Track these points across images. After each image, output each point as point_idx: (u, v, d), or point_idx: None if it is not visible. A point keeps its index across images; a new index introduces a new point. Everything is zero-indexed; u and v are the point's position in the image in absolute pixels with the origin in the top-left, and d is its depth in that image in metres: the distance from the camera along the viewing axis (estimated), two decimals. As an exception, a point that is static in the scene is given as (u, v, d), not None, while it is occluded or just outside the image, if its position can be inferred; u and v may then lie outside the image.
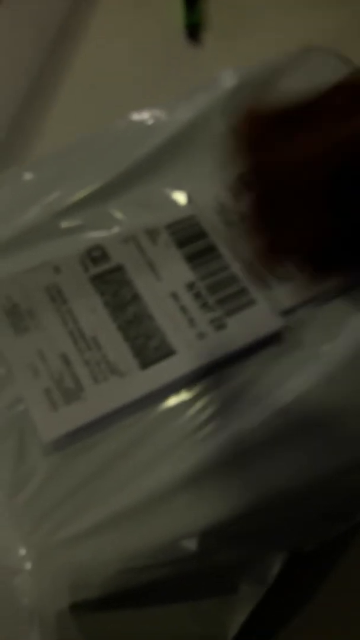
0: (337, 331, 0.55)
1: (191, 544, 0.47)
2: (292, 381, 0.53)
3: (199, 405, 0.52)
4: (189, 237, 0.58)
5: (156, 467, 0.49)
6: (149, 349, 0.52)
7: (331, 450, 0.51)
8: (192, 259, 0.57)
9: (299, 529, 0.51)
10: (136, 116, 0.67)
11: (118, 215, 0.60)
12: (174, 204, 0.61)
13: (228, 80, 0.69)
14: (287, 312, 0.55)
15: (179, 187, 0.61)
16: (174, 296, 0.55)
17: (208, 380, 0.53)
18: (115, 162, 0.62)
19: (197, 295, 0.55)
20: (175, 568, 0.47)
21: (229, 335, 0.53)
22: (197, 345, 0.53)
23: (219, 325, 0.54)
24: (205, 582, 0.49)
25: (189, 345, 0.53)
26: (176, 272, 0.56)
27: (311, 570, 0.54)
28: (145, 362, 0.52)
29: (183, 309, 0.54)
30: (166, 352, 0.52)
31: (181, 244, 0.57)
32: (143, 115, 0.66)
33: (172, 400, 0.52)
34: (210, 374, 0.53)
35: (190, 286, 0.55)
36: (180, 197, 0.61)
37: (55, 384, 0.50)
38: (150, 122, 0.66)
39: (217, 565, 0.49)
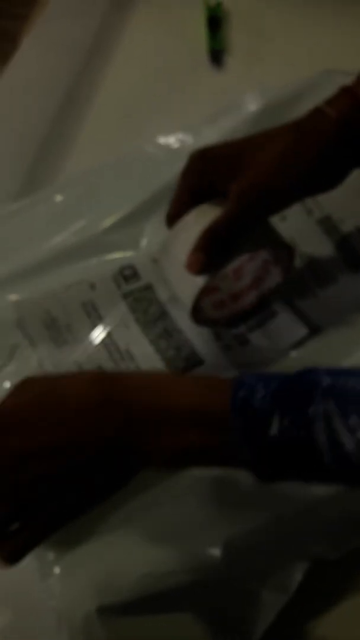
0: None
1: (214, 551, 0.49)
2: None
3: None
4: None
5: (180, 474, 0.51)
6: (179, 359, 0.56)
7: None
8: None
9: (321, 538, 0.52)
10: (163, 139, 0.70)
11: (148, 236, 0.63)
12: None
13: (252, 103, 0.73)
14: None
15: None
16: None
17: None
18: (145, 185, 0.66)
19: None
20: (199, 575, 0.48)
21: (253, 348, 0.57)
22: (224, 355, 0.56)
23: (242, 341, 0.57)
24: (228, 590, 0.50)
25: (216, 356, 0.56)
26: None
27: (338, 577, 0.54)
28: (177, 371, 0.55)
29: None
30: (195, 361, 0.56)
31: None
32: (170, 139, 0.70)
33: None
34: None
35: None
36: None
37: None
38: (177, 145, 0.70)
39: (240, 572, 0.50)
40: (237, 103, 0.73)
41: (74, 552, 0.48)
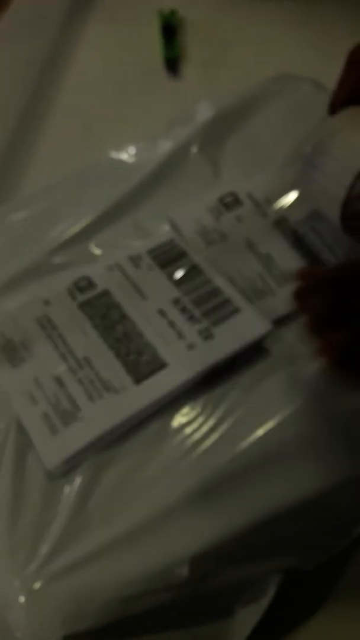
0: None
1: (186, 569, 0.47)
2: (283, 399, 0.54)
3: (193, 426, 0.53)
4: (170, 258, 0.60)
5: (150, 492, 0.50)
6: (141, 363, 0.54)
7: (324, 467, 0.51)
8: (175, 278, 0.59)
9: (294, 550, 0.51)
10: (120, 152, 0.70)
11: (106, 248, 0.63)
12: (157, 231, 0.63)
13: (204, 111, 0.72)
14: (282, 320, 0.57)
15: (163, 216, 0.64)
16: (161, 312, 0.57)
17: (201, 400, 0.54)
18: (101, 198, 0.66)
19: (183, 310, 0.57)
20: (171, 594, 0.47)
21: (218, 344, 0.55)
22: (187, 356, 0.55)
23: (207, 336, 0.55)
24: (201, 607, 0.49)
25: (180, 356, 0.54)
26: (161, 290, 0.58)
27: (312, 587, 0.53)
28: (139, 376, 0.54)
29: (171, 324, 0.56)
30: (158, 365, 0.54)
31: (163, 265, 0.60)
32: (127, 151, 0.70)
33: (165, 423, 0.53)
34: (203, 391, 0.54)
35: (176, 302, 0.57)
36: (163, 225, 0.64)
37: (52, 408, 0.52)
38: (133, 157, 0.70)
39: (213, 589, 0.48)
40: (191, 112, 0.73)
41: (40, 580, 0.46)
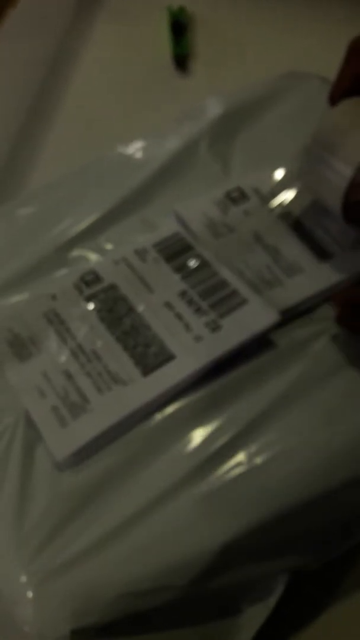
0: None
1: (193, 566, 0.47)
2: (289, 395, 0.54)
3: (198, 421, 0.52)
4: (176, 251, 0.60)
5: (157, 487, 0.49)
6: (149, 356, 0.54)
7: (328, 466, 0.51)
8: (182, 270, 0.59)
9: (301, 550, 0.50)
10: (128, 147, 0.70)
11: (114, 244, 0.63)
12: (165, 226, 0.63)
13: (213, 108, 0.72)
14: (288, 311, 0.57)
15: (171, 212, 0.64)
16: (168, 305, 0.57)
17: (207, 393, 0.54)
18: (109, 194, 0.65)
19: (190, 302, 0.57)
20: (177, 592, 0.47)
21: (225, 335, 0.55)
22: (195, 347, 0.55)
23: (214, 328, 0.55)
24: (207, 606, 0.48)
25: (187, 348, 0.54)
26: (167, 283, 0.58)
27: (317, 587, 0.53)
28: (146, 368, 0.54)
29: (178, 316, 0.56)
30: (166, 357, 0.54)
31: (169, 258, 0.60)
32: (135, 146, 0.70)
33: (172, 416, 0.53)
34: (210, 384, 0.54)
35: (183, 294, 0.57)
36: (171, 221, 0.64)
37: (61, 401, 0.52)
38: (141, 152, 0.69)
39: (220, 588, 0.48)
40: (200, 108, 0.73)
41: (47, 575, 0.46)
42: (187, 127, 0.71)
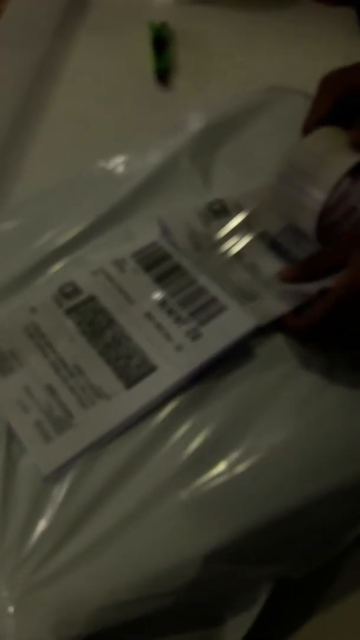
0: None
1: (175, 577, 0.47)
2: (271, 405, 0.54)
3: (181, 430, 0.53)
4: (154, 261, 0.61)
5: (140, 499, 0.49)
6: (131, 368, 0.54)
7: (311, 476, 0.51)
8: (161, 280, 0.59)
9: (283, 558, 0.50)
10: (110, 161, 0.70)
11: (97, 255, 0.63)
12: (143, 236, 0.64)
13: (195, 122, 0.73)
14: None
15: (154, 224, 0.64)
16: (148, 315, 0.57)
17: (189, 402, 0.54)
18: (92, 208, 0.66)
19: (170, 312, 0.57)
20: (160, 602, 0.46)
21: (206, 343, 0.55)
22: (176, 357, 0.55)
23: (195, 336, 0.55)
24: (192, 615, 0.48)
25: (169, 358, 0.54)
26: (147, 293, 0.58)
27: (302, 596, 0.53)
28: (129, 381, 0.54)
29: (158, 326, 0.56)
30: (148, 368, 0.54)
31: (148, 268, 0.60)
32: (117, 160, 0.70)
33: (155, 426, 0.53)
34: (192, 393, 0.54)
35: (163, 304, 0.57)
36: (154, 231, 0.64)
37: (45, 415, 0.52)
38: (123, 166, 0.70)
39: (203, 597, 0.48)
40: (181, 122, 0.73)
41: (29, 588, 0.46)
42: (169, 141, 0.72)
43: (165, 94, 0.86)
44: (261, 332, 0.56)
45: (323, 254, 0.56)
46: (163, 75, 0.87)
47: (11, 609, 0.46)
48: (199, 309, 0.57)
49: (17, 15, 0.95)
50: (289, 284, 0.57)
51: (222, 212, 0.64)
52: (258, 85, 0.77)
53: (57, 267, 0.62)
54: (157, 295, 0.58)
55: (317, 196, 0.57)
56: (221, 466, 0.51)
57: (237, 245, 0.63)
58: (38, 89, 0.86)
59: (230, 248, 0.62)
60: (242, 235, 0.63)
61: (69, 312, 0.58)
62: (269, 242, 0.63)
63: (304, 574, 0.50)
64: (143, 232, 0.64)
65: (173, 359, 0.54)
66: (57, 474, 0.50)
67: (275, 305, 0.57)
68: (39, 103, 0.84)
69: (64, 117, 0.82)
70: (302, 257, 0.62)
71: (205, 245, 0.62)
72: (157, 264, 0.60)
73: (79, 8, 0.97)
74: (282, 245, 0.63)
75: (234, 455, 0.51)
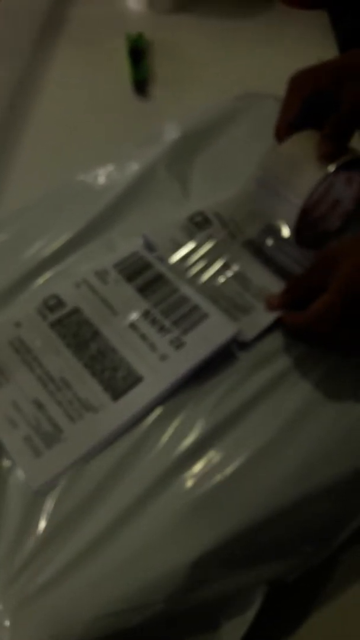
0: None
1: (169, 582, 0.47)
2: (257, 411, 0.54)
3: (167, 436, 0.53)
4: (136, 270, 0.61)
5: (128, 506, 0.50)
6: (117, 379, 0.55)
7: (299, 476, 0.51)
8: (143, 290, 0.60)
9: (273, 560, 0.50)
10: (91, 174, 0.71)
11: (80, 267, 0.63)
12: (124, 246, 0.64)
13: (171, 132, 0.74)
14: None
15: (136, 235, 0.65)
16: (132, 326, 0.57)
17: (176, 409, 0.54)
18: (73, 221, 0.67)
19: (154, 321, 0.57)
20: (154, 609, 0.46)
21: (189, 351, 0.56)
22: (161, 367, 0.55)
23: (178, 345, 0.56)
24: (184, 623, 0.48)
25: (154, 368, 0.55)
26: (130, 304, 0.59)
27: (296, 600, 0.53)
28: (116, 393, 0.54)
29: (143, 337, 0.57)
30: (134, 379, 0.55)
31: (130, 278, 0.61)
32: (97, 172, 0.71)
33: (141, 434, 0.53)
34: (178, 399, 0.55)
35: (146, 314, 0.58)
36: (135, 241, 0.64)
37: (33, 430, 0.53)
38: (103, 178, 0.71)
39: (197, 603, 0.48)
40: (157, 133, 0.75)
41: (24, 600, 0.46)
42: (147, 151, 0.73)
43: (144, 104, 0.86)
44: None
45: (302, 279, 0.58)
46: (141, 85, 0.87)
47: (7, 623, 0.46)
48: (181, 317, 0.58)
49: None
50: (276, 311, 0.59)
51: (204, 223, 0.65)
52: (233, 92, 0.78)
53: (40, 280, 0.63)
54: (140, 305, 0.59)
55: (293, 200, 0.59)
56: (209, 468, 0.51)
57: (222, 254, 0.63)
58: (17, 102, 0.87)
59: (217, 260, 0.63)
60: (226, 245, 0.64)
61: (54, 325, 0.58)
62: (254, 250, 0.64)
63: (297, 576, 0.50)
64: (125, 242, 0.65)
65: (158, 369, 0.55)
66: (47, 488, 0.51)
67: (265, 317, 0.59)
68: (20, 116, 0.85)
69: (44, 130, 0.83)
70: (287, 262, 0.63)
71: (192, 259, 0.63)
72: (138, 274, 0.61)
73: (57, 20, 0.98)
74: (266, 252, 0.64)
75: (223, 457, 0.52)
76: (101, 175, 0.71)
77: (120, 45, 0.92)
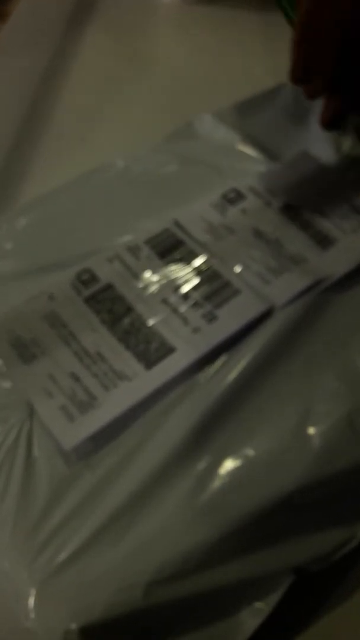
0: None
1: (194, 561, 0.47)
2: (286, 386, 0.55)
3: (193, 408, 0.54)
4: (168, 247, 0.63)
5: (153, 480, 0.51)
6: (151, 351, 0.56)
7: (321, 456, 0.51)
8: (175, 265, 0.61)
9: (296, 546, 0.50)
10: (121, 160, 0.72)
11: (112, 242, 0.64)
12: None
13: (205, 121, 0.75)
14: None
15: (167, 222, 0.65)
16: (165, 302, 0.59)
17: (201, 383, 0.55)
18: (104, 205, 0.68)
19: (186, 297, 0.59)
20: (175, 592, 0.47)
21: (222, 325, 0.57)
22: (193, 338, 0.57)
23: (211, 318, 0.57)
24: (208, 605, 0.48)
25: (186, 340, 0.56)
26: (162, 280, 0.60)
27: (318, 590, 0.52)
28: (149, 363, 0.56)
29: (175, 311, 0.58)
30: (167, 350, 0.56)
31: (162, 254, 0.62)
32: (129, 159, 0.72)
33: (166, 408, 0.54)
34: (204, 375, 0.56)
35: (177, 289, 0.59)
36: (166, 219, 0.65)
37: (69, 400, 0.54)
38: (135, 165, 0.72)
39: (220, 587, 0.48)
40: (191, 120, 0.75)
41: (50, 571, 0.47)
42: (180, 140, 0.74)
43: (174, 95, 0.87)
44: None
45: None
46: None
47: (32, 591, 0.47)
48: (213, 292, 0.59)
49: (25, 16, 0.97)
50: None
51: (237, 198, 0.66)
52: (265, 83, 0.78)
53: (73, 256, 0.63)
54: (173, 281, 0.60)
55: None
56: (227, 448, 0.52)
57: (256, 224, 0.64)
58: (46, 89, 0.87)
59: (250, 228, 0.64)
60: (261, 213, 0.65)
61: (88, 300, 0.59)
62: (291, 215, 0.64)
63: (322, 567, 0.50)
64: (156, 222, 0.65)
65: (191, 340, 0.56)
66: (80, 450, 0.52)
67: (303, 280, 0.60)
68: (48, 103, 0.86)
69: (73, 117, 0.84)
70: (327, 226, 0.64)
71: (224, 235, 0.64)
72: (170, 251, 0.62)
73: (87, 8, 0.98)
74: (304, 215, 0.64)
75: (239, 437, 0.53)
76: (133, 161, 0.72)
77: (151, 34, 0.92)
